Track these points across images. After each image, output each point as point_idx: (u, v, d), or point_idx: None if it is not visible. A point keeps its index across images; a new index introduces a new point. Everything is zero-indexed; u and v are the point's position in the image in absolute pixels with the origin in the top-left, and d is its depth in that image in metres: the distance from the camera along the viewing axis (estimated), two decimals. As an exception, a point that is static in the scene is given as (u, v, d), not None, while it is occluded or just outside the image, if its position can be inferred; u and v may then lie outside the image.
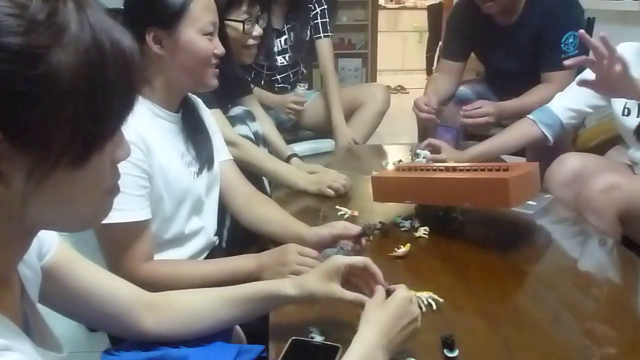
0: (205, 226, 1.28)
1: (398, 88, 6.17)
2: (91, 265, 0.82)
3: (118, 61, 0.52)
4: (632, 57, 1.65)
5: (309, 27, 2.46)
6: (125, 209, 1.05)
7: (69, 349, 0.69)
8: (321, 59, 2.49)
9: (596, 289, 1.17)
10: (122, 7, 1.18)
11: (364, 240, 1.22)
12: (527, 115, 1.84)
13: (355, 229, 1.21)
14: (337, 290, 0.86)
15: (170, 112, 1.21)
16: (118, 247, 1.08)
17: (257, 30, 1.76)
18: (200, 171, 1.25)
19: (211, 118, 1.39)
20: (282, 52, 2.44)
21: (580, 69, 1.97)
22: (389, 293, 0.85)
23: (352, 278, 0.90)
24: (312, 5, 2.44)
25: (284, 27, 2.42)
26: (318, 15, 2.45)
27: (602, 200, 1.38)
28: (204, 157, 1.27)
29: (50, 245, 0.74)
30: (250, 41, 1.73)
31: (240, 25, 1.68)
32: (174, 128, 1.23)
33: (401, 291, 0.84)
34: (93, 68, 0.50)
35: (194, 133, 1.27)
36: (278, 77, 2.48)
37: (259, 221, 1.32)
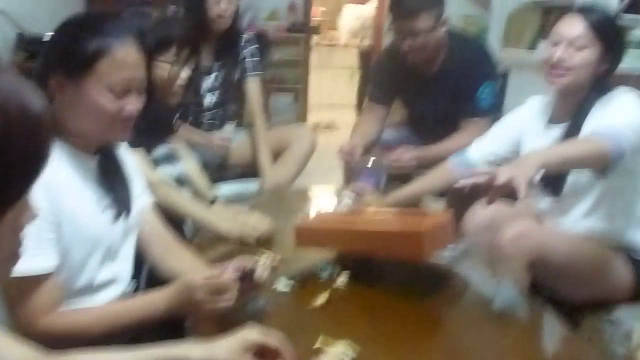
0: (119, 274, 1.24)
1: (329, 124, 6.28)
2: None
3: (24, 128, 0.50)
4: (537, 110, 1.77)
5: (239, 65, 2.46)
6: (27, 260, 0.98)
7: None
8: (249, 99, 2.48)
9: (506, 335, 1.22)
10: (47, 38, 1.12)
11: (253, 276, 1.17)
12: (446, 160, 1.93)
13: (231, 270, 1.13)
14: None
15: (86, 154, 1.16)
16: (18, 298, 1.02)
17: (185, 73, 1.75)
18: (117, 217, 1.20)
19: (133, 160, 1.34)
20: (211, 89, 2.42)
21: (498, 116, 2.10)
22: None
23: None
24: (242, 44, 2.44)
25: (213, 65, 2.40)
26: (249, 53, 2.46)
27: (511, 249, 1.46)
28: (121, 202, 1.21)
29: None
30: (178, 83, 1.72)
31: (167, 68, 1.66)
32: (90, 171, 1.17)
33: None
34: None
35: (112, 177, 1.22)
36: (207, 114, 2.45)
37: (173, 275, 1.27)
